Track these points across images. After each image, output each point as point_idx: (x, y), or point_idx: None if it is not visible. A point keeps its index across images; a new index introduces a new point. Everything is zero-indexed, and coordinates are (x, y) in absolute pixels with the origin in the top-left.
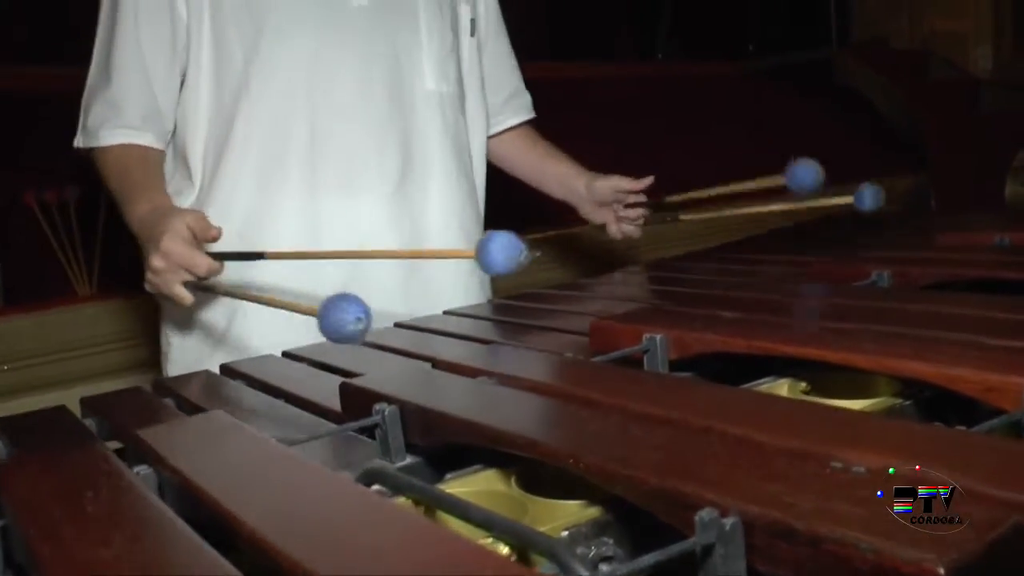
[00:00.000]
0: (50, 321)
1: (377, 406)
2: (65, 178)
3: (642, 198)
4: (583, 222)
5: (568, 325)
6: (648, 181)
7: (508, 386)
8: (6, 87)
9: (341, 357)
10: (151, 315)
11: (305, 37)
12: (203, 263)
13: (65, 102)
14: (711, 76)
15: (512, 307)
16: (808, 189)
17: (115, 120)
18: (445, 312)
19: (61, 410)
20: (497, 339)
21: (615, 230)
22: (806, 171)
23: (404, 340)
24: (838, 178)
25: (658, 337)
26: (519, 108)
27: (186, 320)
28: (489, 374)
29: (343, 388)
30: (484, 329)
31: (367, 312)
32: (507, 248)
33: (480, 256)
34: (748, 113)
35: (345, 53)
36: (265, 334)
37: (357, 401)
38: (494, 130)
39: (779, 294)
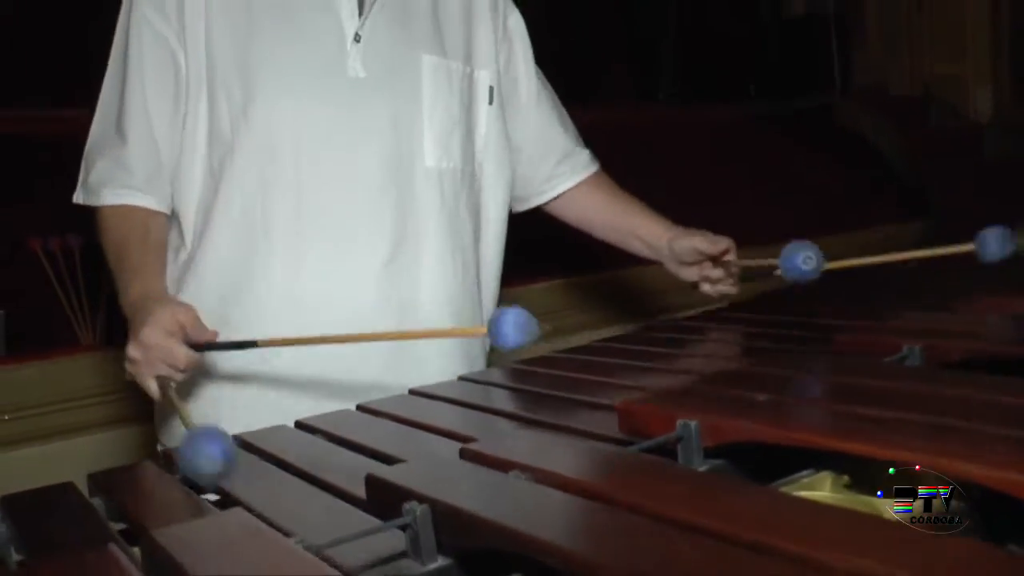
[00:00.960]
0: (53, 370)
1: (407, 505)
2: (70, 224)
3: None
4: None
5: (593, 396)
6: (727, 244)
7: (541, 483)
8: (12, 130)
9: (358, 430)
10: None
11: (294, 104)
12: (182, 357)
13: (72, 147)
14: (714, 120)
15: (529, 373)
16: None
17: (119, 180)
18: (460, 378)
19: (67, 488)
20: (519, 412)
21: (708, 288)
22: (996, 238)
23: (421, 411)
24: (845, 225)
25: (692, 424)
26: (576, 167)
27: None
28: (521, 468)
29: (370, 481)
30: (503, 399)
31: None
32: (521, 325)
33: (493, 333)
34: (753, 158)
35: (337, 124)
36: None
37: (385, 496)
38: (551, 195)
39: (810, 371)
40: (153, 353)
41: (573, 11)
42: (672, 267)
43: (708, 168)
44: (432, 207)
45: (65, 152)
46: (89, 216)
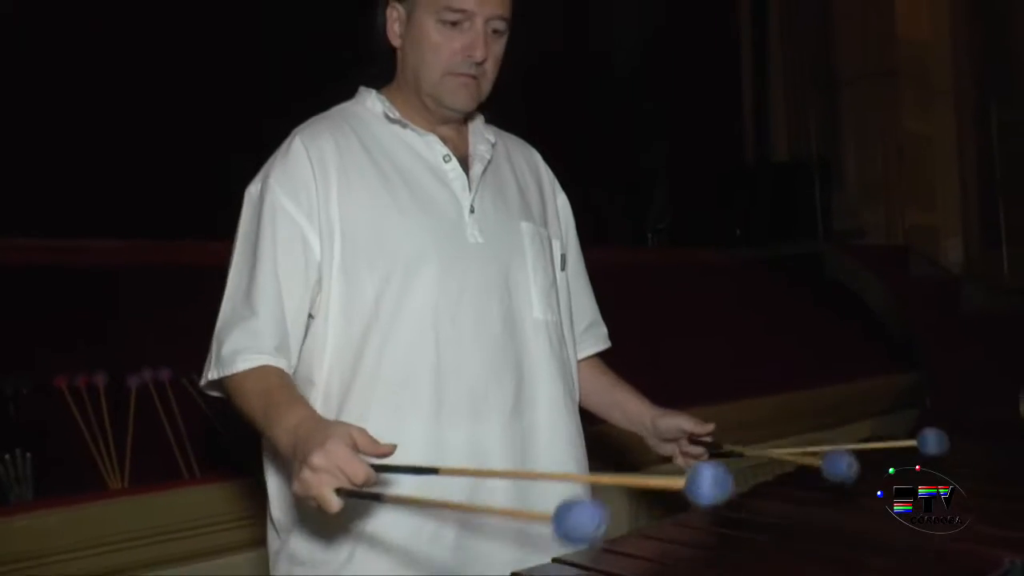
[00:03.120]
0: (79, 518)
1: None
2: (96, 362)
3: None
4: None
5: None
6: (711, 427)
7: None
8: (36, 261)
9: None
10: (184, 508)
11: (431, 272)
12: (363, 470)
13: (100, 278)
14: (703, 264)
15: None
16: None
17: (253, 347)
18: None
19: None
20: None
21: (682, 462)
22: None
23: None
24: (836, 374)
25: None
26: (598, 338)
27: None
28: None
29: None
30: None
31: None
32: (719, 483)
33: (691, 488)
34: (742, 305)
35: (466, 286)
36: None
37: None
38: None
39: None
40: (335, 460)
41: (573, 152)
42: (651, 441)
43: (694, 312)
44: (543, 355)
45: (92, 284)
46: (113, 353)
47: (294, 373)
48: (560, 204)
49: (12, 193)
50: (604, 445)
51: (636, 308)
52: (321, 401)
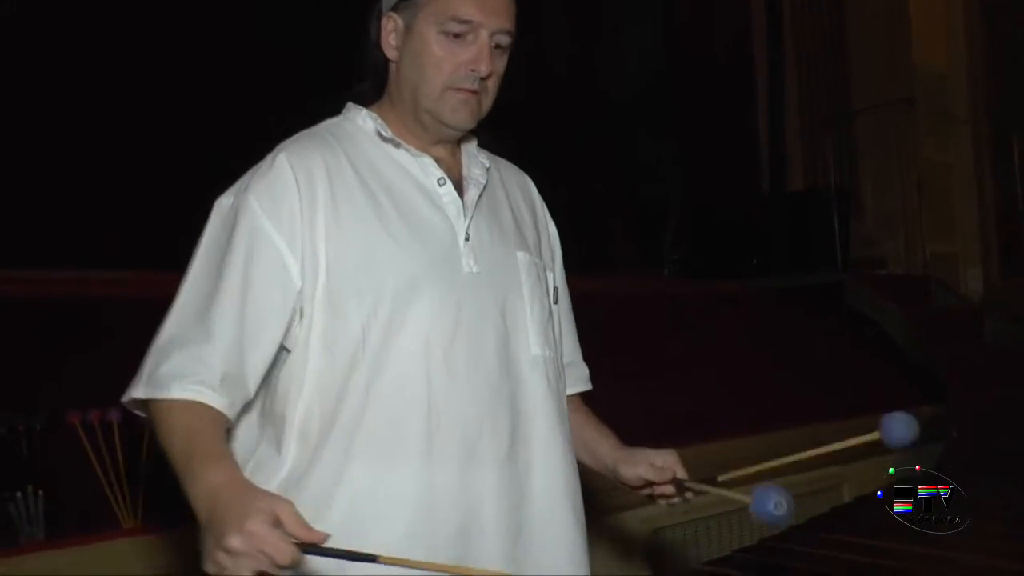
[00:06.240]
0: (91, 557)
1: None
2: (108, 398)
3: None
4: None
5: None
6: (672, 472)
7: None
8: (47, 294)
9: None
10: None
11: (423, 304)
12: (287, 552)
13: (113, 311)
14: (720, 295)
15: None
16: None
17: (194, 376)
18: None
19: None
20: None
21: (662, 502)
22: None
23: None
24: (856, 406)
25: None
26: (577, 379)
27: None
28: None
29: None
30: None
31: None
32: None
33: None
34: (760, 336)
35: (461, 319)
36: None
37: None
38: None
39: None
40: (257, 543)
41: (580, 181)
42: (617, 482)
43: (710, 343)
44: (539, 393)
45: (105, 318)
46: (126, 389)
47: (266, 409)
48: (551, 234)
49: (13, 225)
50: None
51: (652, 339)
52: (296, 444)
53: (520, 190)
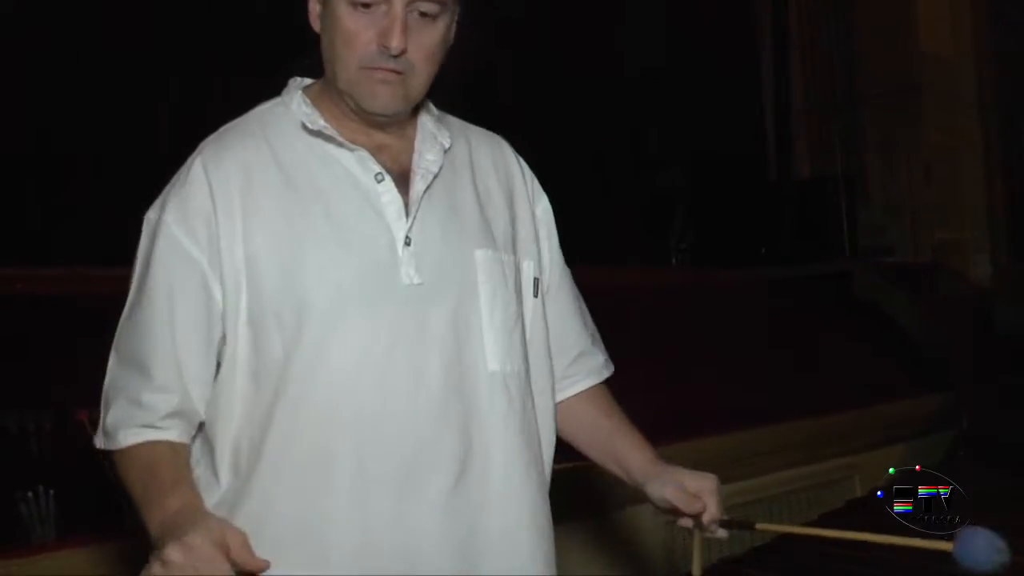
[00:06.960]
0: (103, 557)
1: None
2: None
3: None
4: None
5: None
6: (702, 505)
7: None
8: (54, 291)
9: None
10: None
11: (353, 323)
12: (223, 574)
13: (121, 311)
14: (728, 285)
15: None
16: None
17: (137, 419)
18: None
19: None
20: None
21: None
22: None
23: None
24: (866, 395)
25: None
26: (591, 370)
27: None
28: None
29: None
30: None
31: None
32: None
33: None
34: (768, 324)
35: (398, 338)
36: None
37: None
38: (559, 398)
39: None
40: (195, 561)
41: (587, 172)
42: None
43: (718, 332)
44: (499, 416)
45: (114, 316)
46: None
47: (205, 431)
48: (540, 211)
49: (21, 224)
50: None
51: (658, 329)
52: (227, 473)
53: (493, 165)
